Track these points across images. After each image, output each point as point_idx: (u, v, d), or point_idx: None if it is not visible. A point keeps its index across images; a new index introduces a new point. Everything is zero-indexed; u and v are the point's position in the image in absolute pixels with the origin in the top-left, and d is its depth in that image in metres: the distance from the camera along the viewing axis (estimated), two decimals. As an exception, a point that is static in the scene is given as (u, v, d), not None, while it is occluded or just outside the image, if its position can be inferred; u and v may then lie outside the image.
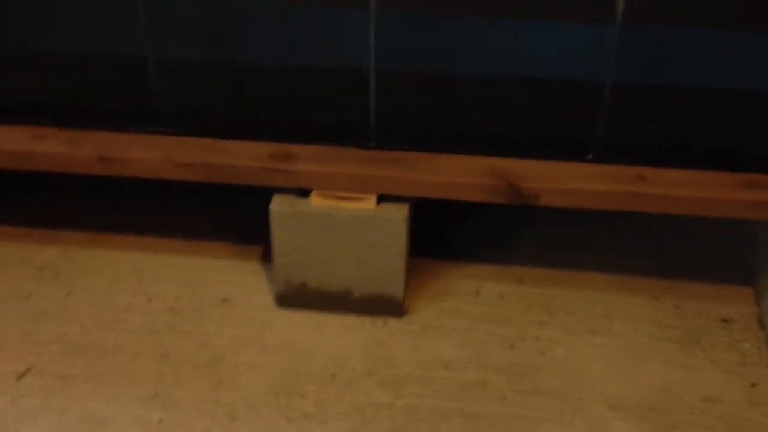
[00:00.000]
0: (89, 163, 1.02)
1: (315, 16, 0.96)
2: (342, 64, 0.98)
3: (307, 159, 1.01)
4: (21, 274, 1.13)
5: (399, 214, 1.00)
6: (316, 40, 0.97)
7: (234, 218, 1.21)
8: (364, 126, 1.02)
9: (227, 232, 1.19)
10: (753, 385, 1.00)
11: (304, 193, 1.02)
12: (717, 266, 1.15)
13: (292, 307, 1.08)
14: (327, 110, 1.02)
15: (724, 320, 1.08)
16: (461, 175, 0.99)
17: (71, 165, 1.03)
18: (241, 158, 1.02)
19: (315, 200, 1.01)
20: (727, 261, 1.17)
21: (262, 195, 1.04)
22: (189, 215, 1.21)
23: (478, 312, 1.09)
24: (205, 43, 0.99)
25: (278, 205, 1.01)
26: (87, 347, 1.04)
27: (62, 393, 0.98)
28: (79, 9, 0.98)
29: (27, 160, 1.03)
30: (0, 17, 0.99)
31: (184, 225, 1.20)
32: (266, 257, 1.15)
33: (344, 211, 1.01)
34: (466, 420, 0.96)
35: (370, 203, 1.01)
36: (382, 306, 1.06)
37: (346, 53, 0.97)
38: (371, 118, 1.01)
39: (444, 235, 1.19)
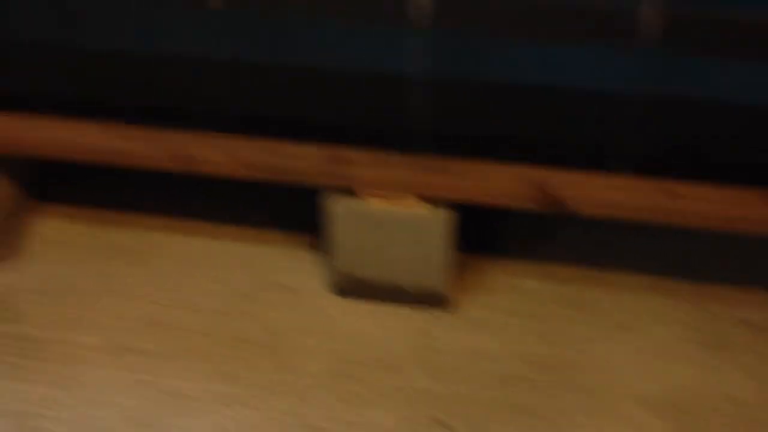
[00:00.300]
0: (166, 160, 1.13)
1: (369, 25, 1.04)
2: (396, 72, 1.05)
3: (362, 163, 1.10)
4: (104, 255, 1.25)
5: (443, 216, 1.09)
6: (371, 47, 1.05)
7: (297, 211, 1.29)
8: (415, 133, 1.10)
9: (290, 223, 1.29)
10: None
11: (359, 194, 1.11)
12: (746, 270, 1.20)
13: (347, 296, 1.18)
14: (379, 116, 1.10)
15: (751, 324, 1.14)
16: (501, 184, 1.07)
17: (151, 162, 1.14)
18: (302, 161, 1.11)
19: (368, 201, 1.10)
20: (757, 265, 1.21)
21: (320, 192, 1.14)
22: (255, 207, 1.31)
23: (518, 308, 1.17)
24: (268, 49, 1.08)
25: (335, 205, 1.11)
26: (164, 326, 1.16)
27: (144, 367, 1.11)
28: (159, 12, 1.08)
29: (112, 156, 1.14)
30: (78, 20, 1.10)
31: (251, 216, 1.30)
32: (324, 248, 1.24)
33: (394, 212, 1.09)
34: (505, 409, 1.05)
35: (417, 205, 1.09)
36: (430, 299, 1.16)
37: (399, 61, 1.04)
38: (422, 126, 1.09)
39: (486, 232, 1.27)
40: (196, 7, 1.04)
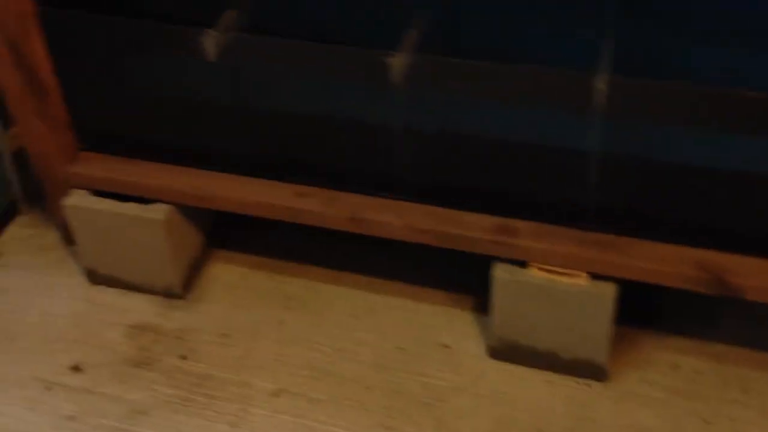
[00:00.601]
0: (342, 221, 1.21)
1: (541, 100, 1.09)
2: (566, 145, 1.10)
3: (529, 234, 1.14)
4: (273, 302, 1.35)
5: (608, 292, 1.11)
6: (549, 125, 1.10)
7: (453, 271, 1.34)
8: (583, 207, 1.13)
9: (447, 282, 1.34)
10: None
11: (523, 263, 1.16)
12: None
13: (504, 360, 1.22)
14: (550, 189, 1.14)
15: None
16: (669, 264, 1.08)
17: (327, 222, 1.22)
18: (470, 229, 1.16)
19: (532, 271, 1.14)
20: None
21: (480, 255, 1.18)
22: (415, 263, 1.37)
23: (676, 385, 1.18)
24: (443, 121, 1.14)
25: (500, 273, 1.15)
26: (329, 374, 1.23)
27: (310, 413, 1.18)
28: (341, 80, 1.16)
29: (291, 214, 1.23)
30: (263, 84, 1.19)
31: (411, 272, 1.36)
32: (481, 309, 1.29)
33: (558, 284, 1.13)
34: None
35: (582, 279, 1.12)
36: (586, 369, 1.18)
37: (572, 135, 1.09)
38: (590, 200, 1.12)
39: (648, 306, 1.28)
40: (379, 83, 1.12)
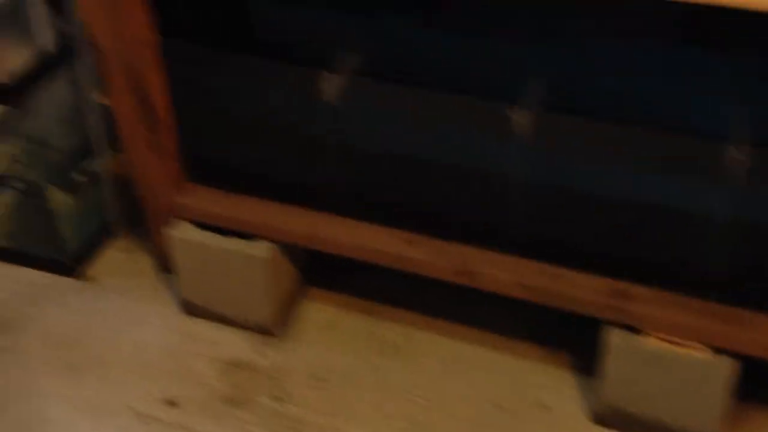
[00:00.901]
0: (450, 272, 1.18)
1: (670, 166, 1.05)
2: (694, 211, 1.06)
3: (646, 300, 1.11)
4: (368, 346, 1.32)
5: (728, 366, 1.07)
6: (668, 186, 1.06)
7: (552, 324, 1.31)
8: (705, 275, 1.09)
9: (547, 337, 1.31)
10: None
11: (637, 329, 1.12)
12: None
13: (609, 426, 1.18)
14: (671, 254, 1.11)
15: None
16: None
17: (435, 272, 1.19)
18: (581, 290, 1.13)
19: (647, 339, 1.10)
20: None
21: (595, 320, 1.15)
22: (513, 314, 1.33)
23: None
24: (564, 177, 1.11)
25: (613, 338, 1.12)
26: (425, 428, 1.20)
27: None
28: (459, 126, 1.14)
29: (398, 261, 1.21)
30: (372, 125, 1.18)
31: (509, 323, 1.33)
32: (582, 369, 1.25)
33: (675, 355, 1.09)
34: None
35: (701, 351, 1.08)
36: (697, 443, 1.14)
37: (701, 202, 1.05)
38: (714, 269, 1.09)
39: (760, 381, 1.23)
40: (500, 135, 1.10)
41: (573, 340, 1.27)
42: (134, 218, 1.47)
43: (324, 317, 1.37)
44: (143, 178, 1.29)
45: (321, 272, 1.41)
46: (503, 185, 1.14)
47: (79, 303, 1.39)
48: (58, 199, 1.41)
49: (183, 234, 1.28)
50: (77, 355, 1.31)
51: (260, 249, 1.26)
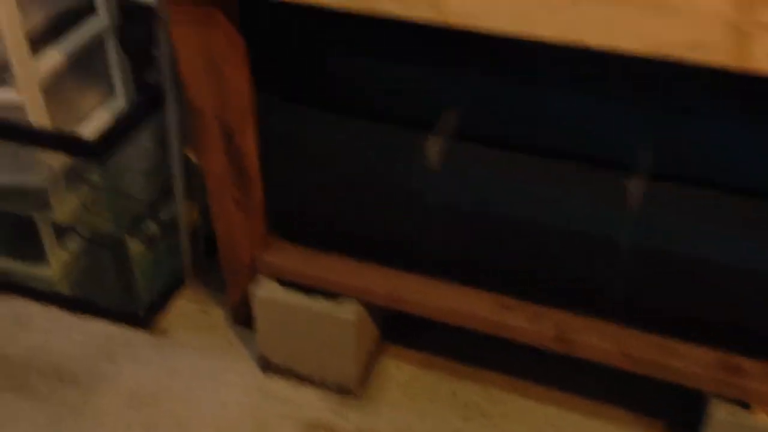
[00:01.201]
0: (547, 339, 1.15)
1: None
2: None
3: (756, 375, 1.08)
4: (451, 409, 1.28)
5: None
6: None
7: (645, 392, 1.27)
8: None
9: (639, 404, 1.27)
10: None
11: (745, 404, 1.09)
12: None
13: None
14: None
15: None
16: None
17: (531, 339, 1.16)
18: (690, 363, 1.10)
19: (758, 416, 1.07)
20: None
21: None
22: (601, 378, 1.29)
23: None
24: (672, 245, 1.08)
25: (720, 413, 1.08)
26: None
27: None
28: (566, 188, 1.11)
29: (494, 327, 1.17)
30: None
31: (597, 387, 1.29)
32: (675, 438, 1.22)
33: (788, 433, 1.06)
34: None
35: (815, 430, 1.05)
36: None
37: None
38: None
39: None
40: (608, 203, 1.07)
41: (668, 408, 1.23)
42: (204, 268, 1.44)
43: (404, 376, 1.33)
44: (227, 233, 1.26)
45: (399, 328, 1.38)
46: (608, 250, 1.11)
47: (153, 358, 1.36)
48: (133, 249, 1.38)
49: (266, 292, 1.25)
50: (154, 415, 1.27)
51: (347, 311, 1.22)
